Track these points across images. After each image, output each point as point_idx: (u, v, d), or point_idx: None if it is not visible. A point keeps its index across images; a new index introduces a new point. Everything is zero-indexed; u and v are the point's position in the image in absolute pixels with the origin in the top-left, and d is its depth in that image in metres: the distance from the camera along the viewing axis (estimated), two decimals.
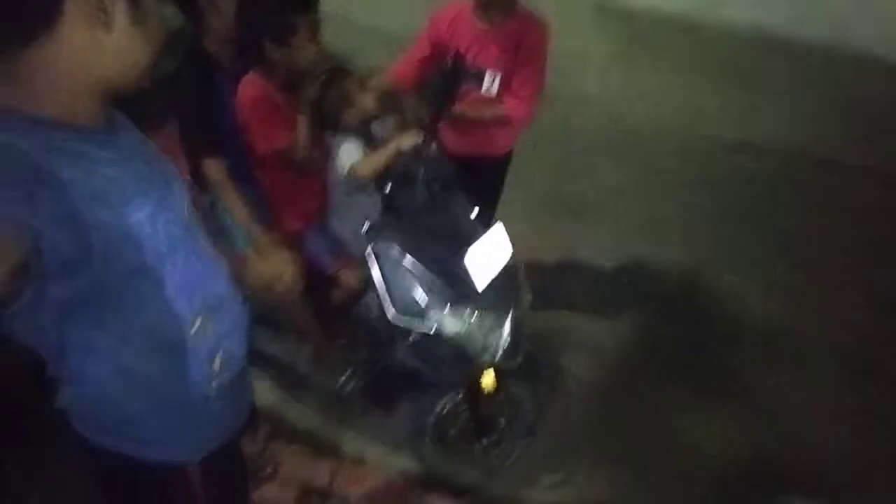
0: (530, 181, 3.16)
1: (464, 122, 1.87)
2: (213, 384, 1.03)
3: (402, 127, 1.66)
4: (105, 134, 0.86)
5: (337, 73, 1.66)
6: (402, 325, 1.47)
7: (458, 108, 1.76)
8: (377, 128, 1.75)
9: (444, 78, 1.56)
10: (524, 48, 1.83)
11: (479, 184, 1.91)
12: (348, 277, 1.81)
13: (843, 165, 3.37)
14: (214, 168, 1.57)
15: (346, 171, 1.61)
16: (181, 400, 1.02)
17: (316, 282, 1.88)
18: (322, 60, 1.61)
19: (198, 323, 0.97)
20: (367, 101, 1.70)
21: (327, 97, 1.64)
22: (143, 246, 0.86)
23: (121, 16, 0.79)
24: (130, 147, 0.90)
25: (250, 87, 1.63)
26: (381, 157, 1.57)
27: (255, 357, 1.98)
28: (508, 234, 1.65)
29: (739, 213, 3.11)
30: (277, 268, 1.47)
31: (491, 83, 1.85)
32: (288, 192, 1.74)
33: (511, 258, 1.65)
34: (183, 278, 0.94)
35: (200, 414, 1.05)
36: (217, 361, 1.02)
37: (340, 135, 1.68)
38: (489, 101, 1.88)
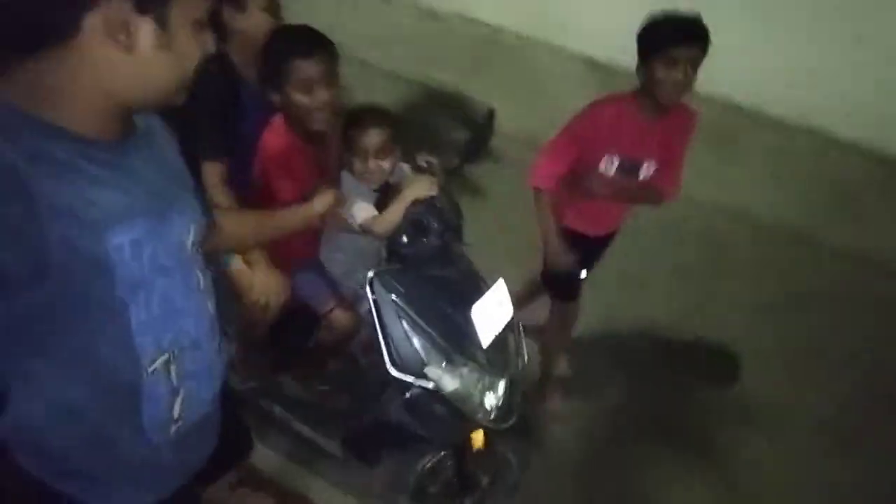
0: (514, 231, 3.17)
1: (606, 205, 1.96)
2: (171, 429, 0.96)
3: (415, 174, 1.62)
4: (109, 152, 0.81)
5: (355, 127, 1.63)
6: (401, 379, 1.41)
7: (616, 192, 1.87)
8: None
9: (476, 132, 1.54)
10: (680, 135, 1.90)
11: (593, 254, 2.15)
12: (340, 318, 1.74)
13: (818, 241, 3.51)
14: (214, 171, 1.51)
15: (357, 223, 1.55)
16: (130, 444, 0.93)
17: (304, 321, 1.81)
18: (330, 111, 1.54)
19: (158, 363, 0.90)
20: (360, 167, 1.65)
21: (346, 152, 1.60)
22: (115, 274, 0.80)
23: (145, 39, 0.75)
24: (136, 169, 0.84)
25: (274, 134, 1.57)
26: (396, 213, 1.50)
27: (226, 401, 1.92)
28: (491, 275, 1.62)
29: (716, 275, 3.19)
30: (269, 284, 1.43)
31: (647, 172, 1.90)
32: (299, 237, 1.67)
33: (511, 316, 1.63)
34: (155, 314, 0.87)
35: (151, 460, 0.96)
36: (177, 406, 0.95)
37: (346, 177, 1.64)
38: (645, 184, 1.93)
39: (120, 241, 0.80)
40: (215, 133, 1.54)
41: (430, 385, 1.43)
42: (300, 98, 1.49)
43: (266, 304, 1.54)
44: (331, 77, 1.51)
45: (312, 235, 1.75)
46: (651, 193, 1.96)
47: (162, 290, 0.88)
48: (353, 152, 1.63)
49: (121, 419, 0.91)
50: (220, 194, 1.53)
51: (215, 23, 1.57)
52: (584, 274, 2.21)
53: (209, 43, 0.85)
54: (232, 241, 1.27)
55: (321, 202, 1.39)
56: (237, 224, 1.25)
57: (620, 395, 2.53)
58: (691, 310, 2.97)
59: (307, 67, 1.47)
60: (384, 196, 1.63)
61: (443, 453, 1.73)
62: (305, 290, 1.75)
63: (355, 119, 1.63)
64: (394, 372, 1.42)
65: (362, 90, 2.74)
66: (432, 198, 1.50)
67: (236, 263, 1.61)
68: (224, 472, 1.67)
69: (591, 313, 2.83)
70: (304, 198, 1.52)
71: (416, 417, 1.50)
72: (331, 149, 1.67)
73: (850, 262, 3.35)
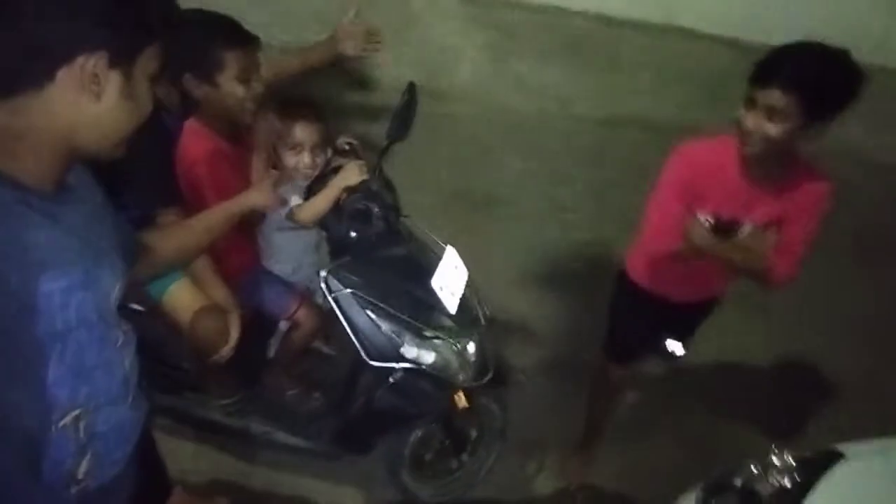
0: (434, 180, 3.18)
1: (699, 265, 1.52)
2: (74, 490, 0.92)
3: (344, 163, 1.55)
4: (46, 200, 0.81)
5: (286, 119, 1.54)
6: (381, 367, 1.40)
7: (713, 248, 1.45)
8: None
9: (403, 106, 1.49)
10: (799, 205, 1.45)
11: (682, 324, 1.74)
12: (307, 316, 1.70)
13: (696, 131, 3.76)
14: (174, 219, 1.38)
15: (284, 214, 1.48)
16: (27, 500, 0.88)
17: (260, 331, 1.74)
18: (257, 102, 1.44)
19: (69, 417, 0.87)
20: (293, 161, 1.57)
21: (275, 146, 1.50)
22: (40, 319, 0.79)
23: (112, 89, 0.79)
24: (70, 219, 0.84)
25: (194, 138, 1.44)
26: (323, 202, 1.46)
27: (200, 429, 1.83)
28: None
29: (629, 183, 3.34)
30: (208, 320, 1.37)
31: (747, 234, 1.49)
32: (228, 240, 1.56)
33: (466, 276, 1.65)
34: (71, 364, 0.85)
35: None
36: (83, 466, 0.92)
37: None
38: (749, 248, 1.48)
39: (51, 288, 0.79)
40: (163, 178, 1.42)
41: (411, 364, 1.44)
42: (236, 89, 1.40)
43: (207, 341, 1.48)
44: (259, 67, 1.45)
45: (248, 245, 1.66)
46: (755, 260, 1.47)
47: (79, 343, 0.86)
48: (287, 146, 1.55)
49: (22, 473, 0.85)
50: None
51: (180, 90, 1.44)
52: (678, 349, 1.82)
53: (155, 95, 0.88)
54: (167, 258, 1.20)
55: (259, 194, 1.34)
56: (167, 239, 1.19)
57: (569, 316, 2.66)
58: (611, 219, 3.12)
59: (243, 58, 1.39)
60: (313, 186, 1.56)
61: (429, 423, 1.76)
62: (263, 299, 1.67)
63: (290, 113, 1.55)
64: (372, 363, 1.41)
65: None
66: (366, 182, 1.45)
67: (169, 296, 1.51)
68: None
69: (526, 242, 2.93)
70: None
71: (404, 398, 1.51)
72: (250, 146, 1.57)
73: None
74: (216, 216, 1.29)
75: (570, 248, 2.97)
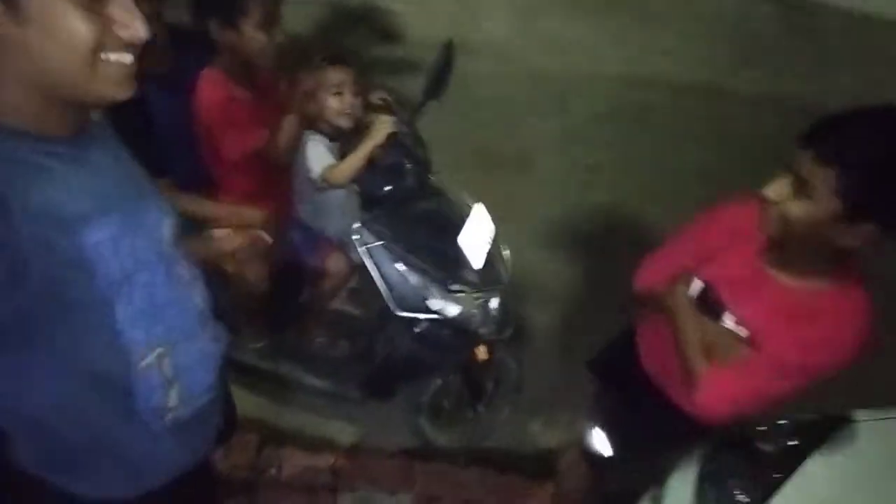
0: (458, 136, 3.17)
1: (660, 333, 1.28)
2: (168, 418, 0.97)
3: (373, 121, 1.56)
4: (72, 147, 0.80)
5: (321, 71, 1.55)
6: (407, 317, 1.47)
7: (675, 305, 1.20)
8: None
9: (439, 65, 1.49)
10: (799, 339, 1.06)
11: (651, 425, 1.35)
12: (337, 263, 1.75)
13: (736, 94, 3.66)
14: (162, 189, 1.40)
15: (317, 175, 1.52)
16: (122, 436, 0.95)
17: (293, 278, 1.81)
18: (278, 51, 1.46)
19: (152, 356, 0.91)
20: (336, 104, 1.58)
21: (309, 97, 1.51)
22: (97, 271, 0.80)
23: (38, 10, 0.70)
24: (101, 163, 0.83)
25: (211, 86, 1.46)
26: (355, 162, 1.48)
27: (234, 370, 1.93)
28: None
29: (659, 149, 3.32)
30: (246, 224, 1.37)
31: (721, 326, 1.17)
32: (258, 190, 1.61)
33: (493, 232, 1.69)
34: (142, 307, 0.87)
35: (149, 448, 0.98)
36: (172, 396, 0.96)
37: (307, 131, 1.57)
38: (706, 339, 1.18)
39: (98, 238, 0.79)
40: (147, 150, 1.38)
41: (436, 315, 1.50)
42: (258, 35, 1.41)
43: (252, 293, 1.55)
44: (278, 15, 1.46)
45: (283, 194, 1.70)
46: (695, 356, 1.17)
47: (144, 284, 0.87)
48: (328, 91, 1.57)
49: (115, 412, 0.91)
50: (187, 202, 1.40)
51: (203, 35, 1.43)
52: (603, 447, 1.55)
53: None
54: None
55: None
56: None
57: (585, 276, 2.70)
58: (640, 181, 3.12)
59: (267, 4, 1.41)
60: (344, 145, 1.59)
61: (449, 373, 1.83)
62: (296, 245, 1.73)
63: (324, 59, 1.57)
64: (399, 312, 1.47)
65: None
66: (398, 138, 1.47)
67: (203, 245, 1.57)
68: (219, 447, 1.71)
69: (551, 203, 2.94)
70: (252, 150, 1.48)
71: (428, 348, 1.58)
72: (272, 97, 1.58)
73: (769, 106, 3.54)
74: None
75: (591, 210, 2.98)
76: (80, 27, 0.74)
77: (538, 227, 2.86)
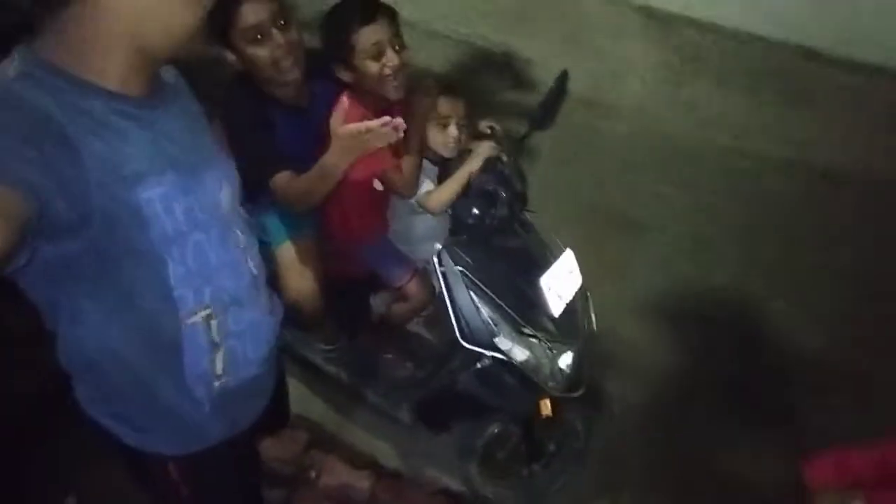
0: (576, 189, 3.10)
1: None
2: (215, 385, 0.98)
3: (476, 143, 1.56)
4: (141, 107, 0.84)
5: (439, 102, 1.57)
6: (472, 350, 1.41)
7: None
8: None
9: (551, 95, 1.48)
10: None
11: None
12: (416, 290, 1.74)
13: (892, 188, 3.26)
14: (286, 179, 1.42)
15: (415, 200, 1.54)
16: (170, 393, 0.96)
17: (355, 287, 1.82)
18: (399, 74, 1.47)
19: (199, 316, 0.92)
20: (441, 136, 1.59)
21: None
22: (151, 226, 0.83)
23: None
24: (165, 126, 0.87)
25: (342, 110, 1.50)
26: (453, 186, 1.48)
27: (295, 363, 1.97)
28: None
29: (791, 236, 3.00)
30: (300, 289, 1.51)
31: None
32: (365, 207, 1.66)
33: (580, 284, 1.60)
34: (193, 267, 0.89)
35: (190, 412, 0.99)
36: (219, 362, 0.96)
37: None
38: None
39: (150, 195, 0.82)
40: (269, 146, 1.46)
41: (502, 356, 1.43)
42: (369, 67, 1.44)
43: (296, 302, 1.60)
44: (397, 40, 1.46)
45: (379, 216, 1.73)
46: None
47: (196, 244, 0.90)
48: (434, 120, 1.57)
49: (161, 368, 0.94)
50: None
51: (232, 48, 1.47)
52: None
53: None
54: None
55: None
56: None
57: (688, 354, 2.46)
58: (761, 268, 2.83)
59: (372, 35, 1.42)
60: (444, 170, 1.60)
61: (510, 421, 1.73)
62: (381, 263, 1.75)
63: (440, 88, 1.58)
64: (464, 343, 1.41)
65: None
66: (498, 166, 1.46)
67: (278, 248, 1.66)
68: (268, 433, 1.72)
69: (659, 267, 2.76)
70: (378, 174, 1.51)
71: (487, 387, 1.50)
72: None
73: None
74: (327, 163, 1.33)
75: (702, 289, 2.74)
76: None
77: (641, 295, 2.68)
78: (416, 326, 1.99)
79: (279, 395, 1.40)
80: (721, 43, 3.69)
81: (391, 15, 1.46)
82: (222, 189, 0.96)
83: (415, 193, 1.58)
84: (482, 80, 3.64)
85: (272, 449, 1.82)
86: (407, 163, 1.52)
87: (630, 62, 3.70)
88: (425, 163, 1.62)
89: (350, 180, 1.52)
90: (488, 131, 1.59)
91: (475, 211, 1.43)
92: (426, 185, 1.57)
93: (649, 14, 3.81)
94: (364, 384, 1.85)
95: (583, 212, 2.99)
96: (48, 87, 0.75)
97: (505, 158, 1.49)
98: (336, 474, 1.91)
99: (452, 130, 1.57)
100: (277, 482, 1.83)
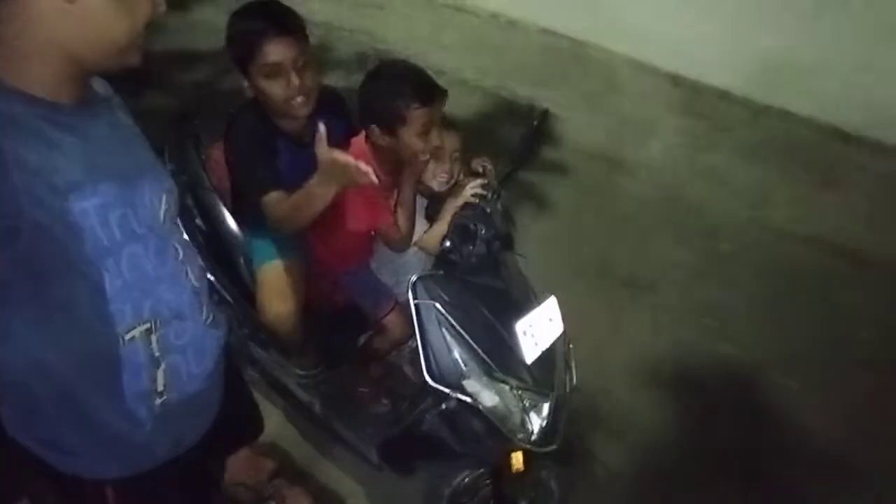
0: (579, 242, 3.07)
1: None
2: (157, 402, 0.94)
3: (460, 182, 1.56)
4: (74, 117, 0.82)
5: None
6: (437, 389, 1.36)
7: None
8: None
9: (525, 137, 1.48)
10: None
11: None
12: (395, 323, 1.72)
13: None
14: (278, 199, 1.42)
15: (415, 244, 1.56)
16: (109, 413, 0.92)
17: (353, 322, 1.81)
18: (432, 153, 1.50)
19: (137, 331, 0.89)
20: (433, 167, 1.60)
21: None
22: (85, 237, 0.81)
23: None
24: (96, 134, 0.86)
25: (354, 155, 1.55)
26: (444, 226, 1.48)
27: (269, 387, 1.94)
28: (552, 292, 1.53)
29: (806, 314, 2.88)
30: (279, 314, 1.50)
31: None
32: (352, 236, 1.65)
33: (563, 335, 1.55)
34: (130, 279, 0.86)
35: (130, 432, 0.94)
36: (160, 379, 0.93)
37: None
38: None
39: (84, 207, 0.80)
40: (267, 167, 1.49)
41: (468, 399, 1.37)
42: (415, 143, 1.45)
43: (272, 324, 1.61)
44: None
45: (367, 243, 1.73)
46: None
47: (132, 255, 0.87)
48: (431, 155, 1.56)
49: (98, 386, 0.91)
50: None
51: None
52: None
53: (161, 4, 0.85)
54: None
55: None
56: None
57: (680, 430, 2.35)
58: (771, 343, 2.71)
59: (427, 114, 1.43)
60: (432, 205, 1.60)
61: (480, 471, 1.66)
62: (361, 294, 1.74)
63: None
64: (430, 381, 1.37)
65: None
66: (482, 204, 1.45)
67: (260, 269, 1.68)
68: (232, 450, 1.67)
69: (661, 331, 2.68)
70: (373, 228, 1.54)
71: (452, 431, 1.44)
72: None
73: None
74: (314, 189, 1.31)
75: (705, 358, 2.63)
76: (146, 5, 0.83)
77: (640, 357, 2.59)
78: (401, 362, 1.95)
79: (243, 405, 1.36)
80: (747, 115, 3.69)
81: (443, 98, 1.46)
82: (161, 201, 0.94)
83: (409, 247, 1.58)
84: (504, 130, 3.69)
85: (236, 473, 1.77)
86: (402, 218, 1.53)
87: (653, 124, 3.71)
88: (419, 198, 1.62)
89: (347, 229, 1.54)
90: (480, 170, 1.59)
91: (447, 244, 1.41)
92: (420, 225, 1.56)
93: (676, 82, 3.85)
94: (336, 416, 1.80)
95: (590, 266, 2.94)
96: None
97: (490, 197, 1.48)
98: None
99: (445, 165, 1.57)
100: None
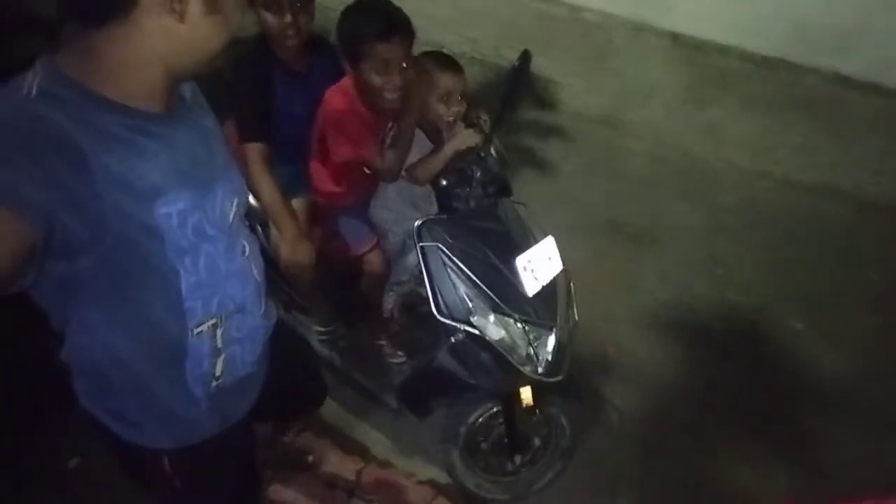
0: (585, 202, 3.12)
1: None
2: (213, 385, 1.01)
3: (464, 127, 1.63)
4: (160, 125, 0.86)
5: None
6: (446, 323, 1.44)
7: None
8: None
9: (509, 80, 1.55)
10: None
11: None
12: (374, 260, 1.81)
13: None
14: (254, 151, 1.61)
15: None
16: (170, 394, 1.00)
17: (350, 272, 1.89)
18: (399, 93, 1.54)
19: (206, 325, 0.95)
20: (443, 109, 1.63)
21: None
22: (165, 240, 0.86)
23: (195, 6, 0.80)
24: (181, 140, 0.89)
25: (339, 95, 1.63)
26: (438, 162, 1.56)
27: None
28: (562, 251, 1.61)
29: (813, 259, 2.91)
30: (299, 256, 1.55)
31: None
32: (349, 174, 1.74)
33: (563, 274, 1.62)
34: (203, 278, 0.92)
35: (188, 410, 1.03)
36: (219, 366, 1.00)
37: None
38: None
39: (167, 211, 0.84)
40: (255, 116, 1.64)
41: (476, 331, 1.45)
42: (374, 79, 1.52)
43: (295, 273, 1.68)
44: (407, 59, 1.52)
45: (369, 184, 1.80)
46: None
47: (206, 255, 0.92)
48: (436, 95, 1.61)
49: (164, 372, 0.98)
50: (262, 173, 1.63)
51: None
52: None
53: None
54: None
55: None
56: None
57: (692, 368, 2.40)
58: (778, 289, 2.75)
59: (386, 51, 1.48)
60: (437, 147, 1.67)
61: (494, 409, 1.74)
62: (346, 232, 1.84)
63: (443, 63, 1.62)
64: (439, 317, 1.45)
65: None
66: (477, 150, 1.51)
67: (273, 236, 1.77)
68: (301, 416, 1.79)
69: (669, 281, 2.73)
70: (355, 160, 1.61)
71: (462, 363, 1.53)
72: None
73: None
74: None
75: (715, 305, 2.68)
76: (236, 11, 0.86)
77: (650, 307, 2.65)
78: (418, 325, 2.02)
79: (307, 376, 1.47)
80: (747, 67, 3.67)
81: (409, 33, 1.51)
82: (230, 201, 0.98)
83: (395, 180, 1.65)
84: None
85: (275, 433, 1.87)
86: (391, 154, 1.60)
87: (653, 84, 3.72)
88: (420, 135, 1.66)
89: (334, 161, 1.63)
90: (475, 121, 1.65)
91: (443, 183, 1.48)
92: (415, 155, 1.62)
93: (675, 39, 3.83)
94: (354, 367, 1.89)
95: (598, 224, 3.00)
96: (68, 105, 0.76)
97: (484, 146, 1.54)
98: (325, 459, 1.95)
99: (454, 106, 1.61)
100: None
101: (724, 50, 3.75)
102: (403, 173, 1.62)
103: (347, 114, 1.62)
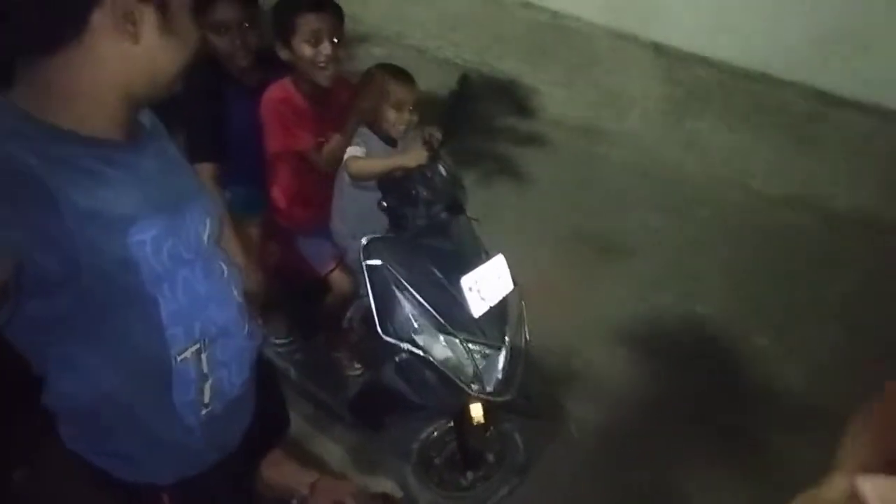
0: (558, 211, 3.13)
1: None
2: (203, 413, 0.99)
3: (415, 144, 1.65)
4: (124, 152, 0.84)
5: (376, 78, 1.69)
6: (390, 342, 1.45)
7: None
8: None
9: (452, 100, 1.55)
10: None
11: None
12: (339, 280, 1.82)
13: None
14: (205, 172, 1.61)
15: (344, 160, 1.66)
16: (163, 425, 0.97)
17: (308, 286, 1.89)
18: (331, 64, 1.61)
19: (189, 352, 0.93)
20: (394, 117, 1.69)
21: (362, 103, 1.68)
22: (140, 268, 0.83)
23: (149, 27, 0.77)
24: (147, 167, 0.87)
25: (277, 89, 1.68)
26: (378, 165, 1.60)
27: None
28: (529, 262, 1.61)
29: (782, 273, 2.92)
30: (247, 286, 1.48)
31: None
32: (299, 193, 1.76)
33: (515, 292, 1.62)
34: (182, 304, 0.90)
35: (183, 440, 1.00)
36: (207, 392, 0.98)
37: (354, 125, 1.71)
38: None
39: (141, 238, 0.82)
40: (206, 135, 1.65)
41: (420, 351, 1.46)
42: (305, 50, 1.59)
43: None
44: (336, 33, 1.61)
45: (324, 205, 1.81)
46: None
47: (184, 281, 0.90)
48: (389, 103, 1.68)
49: (152, 404, 0.95)
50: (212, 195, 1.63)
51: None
52: None
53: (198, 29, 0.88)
54: None
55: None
56: None
57: (655, 382, 2.41)
58: (745, 303, 2.76)
59: (314, 22, 1.57)
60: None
61: (448, 426, 1.74)
62: (309, 252, 1.85)
63: (396, 73, 1.71)
64: (384, 336, 1.45)
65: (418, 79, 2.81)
66: (424, 169, 1.52)
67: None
68: (268, 449, 1.76)
69: (635, 293, 2.73)
70: (290, 149, 1.65)
71: (407, 382, 1.53)
72: (334, 108, 1.73)
73: None
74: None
75: (681, 319, 2.69)
76: (193, 33, 0.84)
77: (615, 320, 2.65)
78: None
79: (274, 402, 1.40)
80: (727, 80, 3.68)
81: (337, 11, 1.63)
82: (205, 225, 0.95)
83: (332, 169, 1.70)
84: (484, 106, 3.74)
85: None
86: (332, 142, 1.66)
87: (633, 94, 3.73)
88: (373, 136, 1.71)
89: (272, 152, 1.68)
90: (427, 138, 1.65)
91: (384, 204, 1.48)
92: (355, 151, 1.65)
93: (657, 50, 3.84)
94: (309, 379, 1.89)
95: (567, 234, 3.00)
96: (31, 141, 0.74)
97: (430, 165, 1.55)
98: (280, 469, 1.94)
99: (405, 115, 1.68)
100: None
101: (705, 62, 3.76)
102: (343, 165, 1.65)
103: (283, 103, 1.67)
